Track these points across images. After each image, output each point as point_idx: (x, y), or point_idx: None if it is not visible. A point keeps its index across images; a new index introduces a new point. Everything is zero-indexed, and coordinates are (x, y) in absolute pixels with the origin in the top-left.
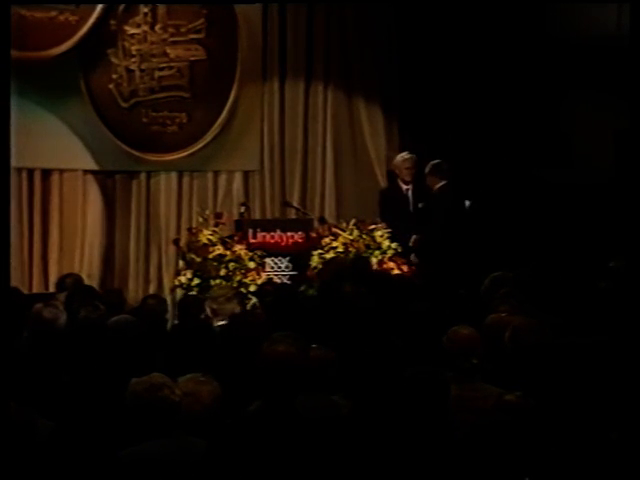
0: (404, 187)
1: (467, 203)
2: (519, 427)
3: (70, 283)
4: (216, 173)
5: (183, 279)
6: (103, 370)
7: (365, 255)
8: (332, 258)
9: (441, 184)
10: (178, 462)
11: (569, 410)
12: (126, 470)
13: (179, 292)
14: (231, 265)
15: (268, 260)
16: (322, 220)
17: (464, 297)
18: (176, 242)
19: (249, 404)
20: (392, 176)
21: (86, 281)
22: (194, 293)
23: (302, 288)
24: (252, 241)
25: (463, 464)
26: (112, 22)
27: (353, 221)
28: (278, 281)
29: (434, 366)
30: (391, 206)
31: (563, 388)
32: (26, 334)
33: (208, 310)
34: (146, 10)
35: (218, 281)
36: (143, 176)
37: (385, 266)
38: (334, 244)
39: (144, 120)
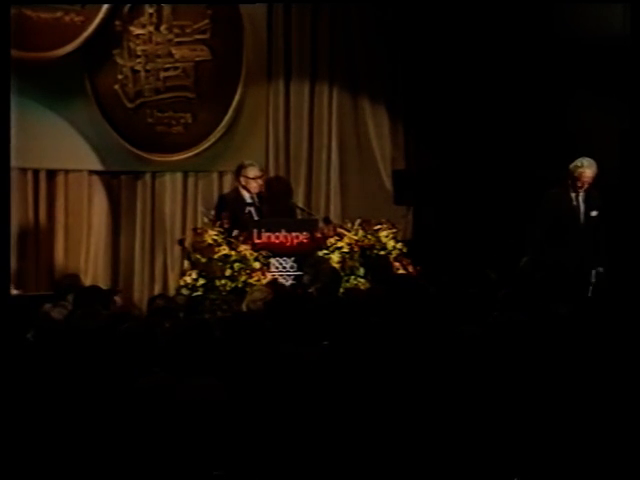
0: (572, 194)
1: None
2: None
3: (67, 284)
4: (221, 173)
5: (188, 279)
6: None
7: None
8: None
9: None
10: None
11: (561, 409)
12: (135, 471)
13: (184, 292)
14: (236, 265)
15: (273, 260)
16: (327, 220)
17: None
18: (181, 242)
19: (254, 404)
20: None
21: (91, 281)
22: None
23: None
24: (257, 241)
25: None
26: (117, 23)
27: (358, 221)
28: (283, 282)
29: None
30: (555, 217)
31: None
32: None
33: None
34: (151, 11)
35: (223, 281)
36: (148, 176)
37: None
38: (339, 244)
39: (149, 120)
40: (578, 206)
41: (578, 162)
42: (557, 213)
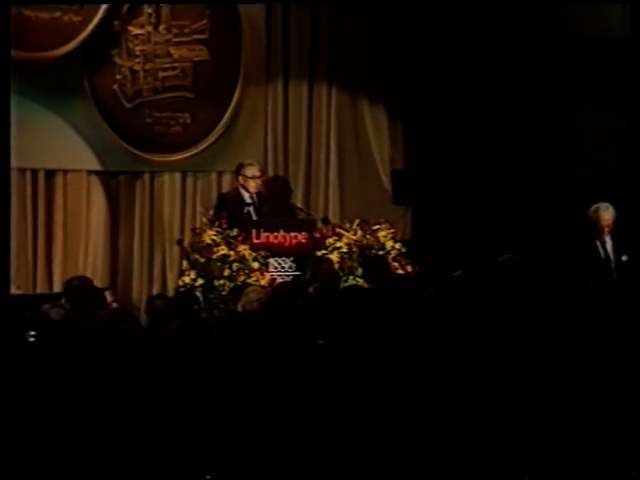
0: (597, 243)
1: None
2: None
3: (77, 286)
4: (220, 173)
5: (187, 279)
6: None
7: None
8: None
9: None
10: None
11: (570, 410)
12: (134, 471)
13: None
14: (235, 265)
15: (272, 260)
16: (325, 220)
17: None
18: (180, 242)
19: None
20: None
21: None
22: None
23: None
24: (255, 241)
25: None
26: (116, 23)
27: (357, 221)
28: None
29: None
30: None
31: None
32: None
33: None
34: (150, 11)
35: (222, 281)
36: (147, 176)
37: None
38: (338, 244)
39: (148, 120)
40: (607, 255)
41: (594, 208)
42: (586, 269)
